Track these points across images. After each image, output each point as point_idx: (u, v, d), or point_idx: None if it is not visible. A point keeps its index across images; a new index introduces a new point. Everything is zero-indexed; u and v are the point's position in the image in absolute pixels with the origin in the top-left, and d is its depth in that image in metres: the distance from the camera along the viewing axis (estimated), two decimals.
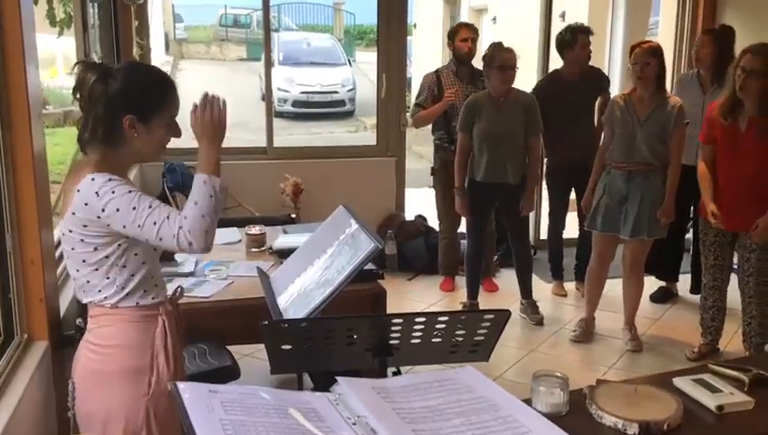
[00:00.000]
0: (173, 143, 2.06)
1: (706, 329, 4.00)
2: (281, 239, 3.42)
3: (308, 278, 2.16)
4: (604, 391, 1.68)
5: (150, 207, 1.81)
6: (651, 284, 4.94)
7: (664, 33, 7.13)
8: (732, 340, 4.07)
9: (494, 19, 10.77)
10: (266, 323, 1.61)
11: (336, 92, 13.67)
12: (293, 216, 4.38)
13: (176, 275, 2.92)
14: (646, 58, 3.84)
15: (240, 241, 3.50)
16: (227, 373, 2.62)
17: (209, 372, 2.55)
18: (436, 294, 5.05)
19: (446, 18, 14.04)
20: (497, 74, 4.19)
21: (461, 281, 4.93)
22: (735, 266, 3.91)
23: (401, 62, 5.59)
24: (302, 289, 2.13)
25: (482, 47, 4.82)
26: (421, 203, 6.42)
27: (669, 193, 3.91)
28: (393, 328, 1.62)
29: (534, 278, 4.77)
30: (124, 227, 1.81)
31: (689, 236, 4.99)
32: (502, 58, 4.19)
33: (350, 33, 20.81)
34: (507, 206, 4.46)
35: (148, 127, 1.89)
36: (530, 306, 4.59)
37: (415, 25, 14.70)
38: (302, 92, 13.30)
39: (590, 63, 4.93)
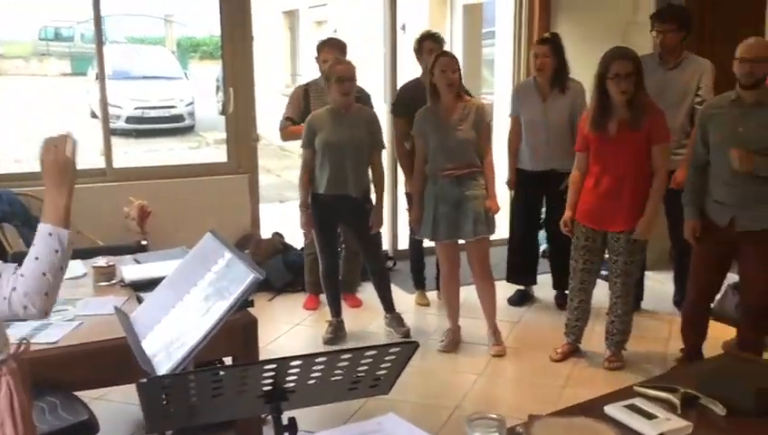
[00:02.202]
0: None
1: (570, 329, 4.11)
2: (133, 270, 3.14)
3: (178, 317, 1.94)
4: (540, 428, 1.60)
5: None
6: (508, 287, 5.06)
7: (501, 42, 7.39)
8: (591, 338, 4.20)
9: (335, 31, 10.76)
10: (144, 381, 1.39)
11: (174, 107, 13.11)
12: (144, 242, 4.05)
13: (13, 320, 2.57)
14: (454, 65, 3.95)
15: (86, 275, 3.16)
16: (86, 429, 2.32)
17: (65, 429, 2.24)
18: (299, 313, 4.88)
19: (285, 31, 13.88)
20: (336, 87, 4.15)
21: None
22: (604, 272, 4.06)
23: (248, 75, 5.38)
24: (172, 330, 1.90)
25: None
26: (275, 219, 6.24)
27: (491, 187, 4.06)
28: (290, 371, 1.45)
29: (397, 289, 4.74)
30: None
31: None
32: (339, 70, 4.17)
33: (183, 45, 20.11)
34: (352, 220, 4.39)
35: None
36: (395, 320, 4.54)
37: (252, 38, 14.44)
38: (137, 108, 12.64)
39: None
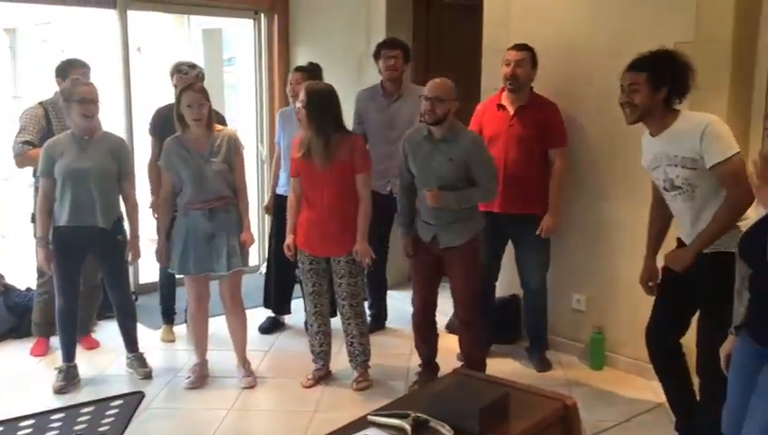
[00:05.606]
0: None
1: (317, 354, 4.14)
2: None
3: None
4: None
5: None
6: (259, 315, 4.99)
7: (242, 68, 7.34)
8: (341, 361, 4.25)
9: (63, 51, 9.98)
10: None
11: None
12: None
13: None
14: (200, 100, 3.86)
15: None
16: None
17: None
18: (25, 361, 4.40)
19: (5, 49, 12.59)
20: (78, 108, 3.89)
21: (57, 341, 4.37)
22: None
23: None
24: None
25: None
26: None
27: (245, 218, 4.00)
28: None
29: (140, 326, 4.45)
30: None
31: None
32: (82, 92, 3.92)
33: None
34: (101, 252, 4.10)
35: None
36: (137, 359, 4.26)
37: None
38: None
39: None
